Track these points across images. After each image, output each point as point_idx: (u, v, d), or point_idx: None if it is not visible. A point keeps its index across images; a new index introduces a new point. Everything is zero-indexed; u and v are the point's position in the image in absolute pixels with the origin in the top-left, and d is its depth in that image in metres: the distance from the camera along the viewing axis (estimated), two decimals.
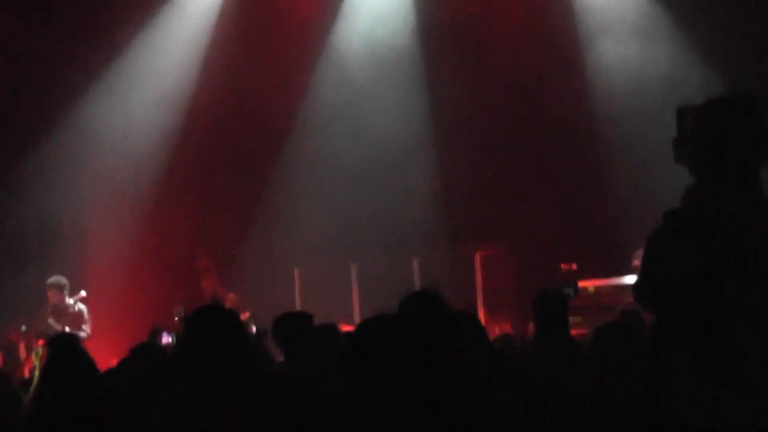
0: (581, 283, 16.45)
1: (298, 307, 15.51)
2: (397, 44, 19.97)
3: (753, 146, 4.79)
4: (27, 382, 12.26)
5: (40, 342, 16.19)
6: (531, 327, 10.96)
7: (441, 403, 4.03)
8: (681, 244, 4.74)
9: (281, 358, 9.44)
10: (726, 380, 4.57)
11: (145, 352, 7.91)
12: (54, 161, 19.63)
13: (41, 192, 19.19)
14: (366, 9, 20.29)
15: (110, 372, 8.14)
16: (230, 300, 17.02)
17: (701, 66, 18.04)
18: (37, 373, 14.73)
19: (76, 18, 19.75)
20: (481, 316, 16.33)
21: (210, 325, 5.53)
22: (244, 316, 15.65)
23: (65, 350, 8.19)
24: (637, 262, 15.70)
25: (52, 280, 17.42)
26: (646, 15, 18.93)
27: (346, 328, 9.71)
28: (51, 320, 17.26)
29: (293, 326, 9.24)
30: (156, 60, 20.38)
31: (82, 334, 16.70)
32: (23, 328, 17.58)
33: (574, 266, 16.99)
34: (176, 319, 15.55)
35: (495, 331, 14.85)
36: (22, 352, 17.05)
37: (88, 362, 7.91)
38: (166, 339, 14.26)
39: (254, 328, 13.51)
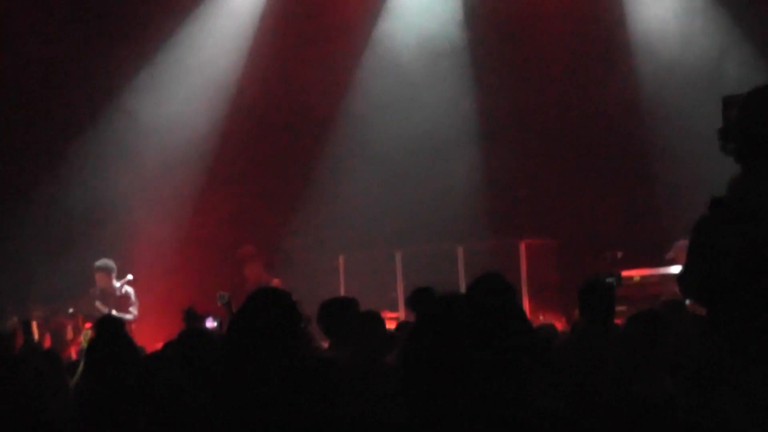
0: (627, 273, 16.48)
1: (342, 294, 15.51)
2: (444, 37, 19.98)
3: None
4: (74, 364, 12.30)
5: (87, 325, 16.32)
6: (576, 315, 10.94)
7: (488, 389, 4.04)
8: (727, 231, 4.74)
9: (325, 344, 9.50)
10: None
11: (192, 337, 7.92)
12: (101, 148, 19.77)
13: (88, 178, 19.38)
14: (413, 1, 20.32)
15: (155, 355, 8.17)
16: (275, 285, 17.04)
17: (747, 54, 17.95)
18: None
19: (124, 9, 19.83)
20: (526, 304, 16.32)
21: (266, 308, 5.58)
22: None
23: (109, 333, 8.27)
24: (671, 254, 15.74)
25: (99, 263, 17.58)
26: (691, 3, 18.87)
27: (389, 315, 9.77)
28: (98, 303, 17.41)
29: (338, 312, 9.33)
30: (202, 51, 20.48)
31: (129, 317, 16.98)
32: (71, 310, 17.75)
33: (619, 254, 17.06)
34: (219, 304, 15.74)
35: (539, 319, 14.85)
36: (70, 334, 17.18)
37: (131, 345, 7.99)
38: (210, 324, 14.37)
39: None
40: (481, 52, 19.83)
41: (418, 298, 10.17)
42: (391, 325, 10.95)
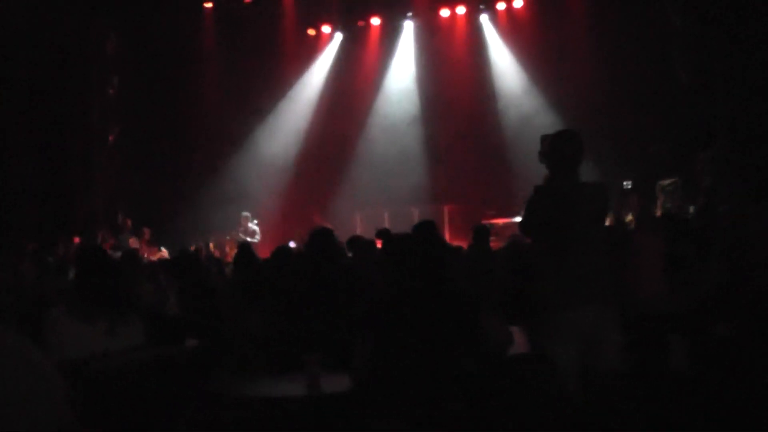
0: (496, 220, 16.63)
1: (358, 232, 15.43)
2: (410, 108, 20.08)
3: (574, 155, 4.85)
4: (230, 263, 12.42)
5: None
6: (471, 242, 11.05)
7: (430, 277, 4.08)
8: (542, 203, 4.83)
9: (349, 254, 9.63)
10: (565, 260, 4.69)
11: (283, 250, 8.01)
12: (242, 160, 19.89)
13: (237, 173, 19.50)
14: (395, 87, 20.35)
15: (267, 260, 8.21)
16: (326, 226, 17.60)
17: (551, 110, 18.19)
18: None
19: (256, 92, 19.96)
20: (447, 238, 16.19)
21: (323, 236, 5.84)
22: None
23: (244, 251, 8.42)
24: (519, 211, 15.90)
25: (243, 213, 17.98)
26: (526, 89, 19.05)
27: (378, 242, 9.88)
28: (241, 234, 17.62)
29: (356, 241, 9.54)
30: (290, 114, 20.54)
31: (256, 240, 17.29)
32: (228, 237, 17.93)
33: (493, 211, 17.19)
34: (297, 235, 16.11)
35: (454, 243, 14.79)
36: (229, 249, 17.28)
37: (254, 255, 8.12)
38: (293, 244, 14.52)
39: None
40: (428, 112, 19.84)
41: (382, 232, 10.84)
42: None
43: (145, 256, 15.32)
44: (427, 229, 6.81)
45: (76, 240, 15.99)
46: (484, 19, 19.91)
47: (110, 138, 19.35)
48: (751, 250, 5.48)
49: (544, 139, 5.14)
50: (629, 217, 14.00)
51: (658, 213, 14.16)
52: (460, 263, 8.72)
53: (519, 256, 7.50)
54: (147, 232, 17.44)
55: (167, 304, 7.88)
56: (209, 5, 20.12)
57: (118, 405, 4.30)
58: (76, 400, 3.99)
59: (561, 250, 4.75)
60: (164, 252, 16.15)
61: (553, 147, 4.93)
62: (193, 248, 15.23)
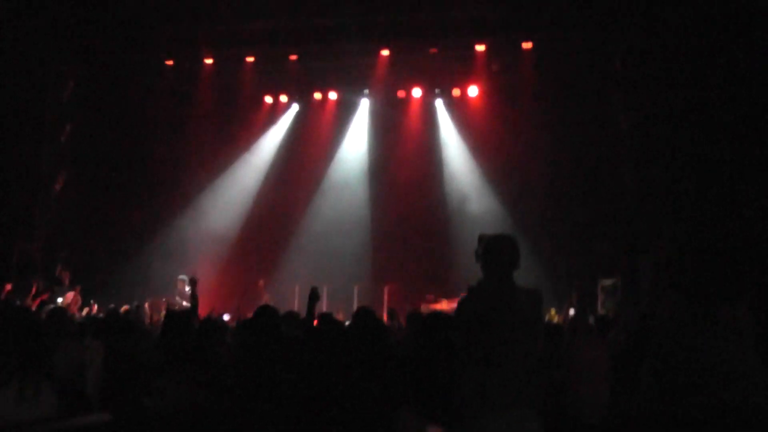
0: (435, 306, 16.62)
1: (296, 307, 15.42)
2: (359, 182, 20.34)
3: (510, 260, 4.87)
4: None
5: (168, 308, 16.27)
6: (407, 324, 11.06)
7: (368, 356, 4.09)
8: (474, 305, 4.82)
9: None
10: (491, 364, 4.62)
11: (213, 321, 7.89)
12: (185, 224, 19.86)
13: (179, 237, 19.55)
14: (346, 162, 20.73)
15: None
16: (266, 295, 17.40)
17: (498, 199, 18.58)
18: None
19: (207, 146, 20.00)
20: (385, 318, 16.16)
21: (265, 313, 5.89)
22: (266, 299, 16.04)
23: (177, 317, 8.28)
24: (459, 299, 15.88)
25: (180, 277, 17.59)
26: (470, 169, 19.43)
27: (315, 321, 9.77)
28: (177, 297, 17.36)
29: (290, 317, 9.41)
30: (237, 183, 20.65)
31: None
32: (164, 299, 17.52)
33: (432, 296, 17.15)
34: (236, 308, 15.90)
35: (392, 322, 14.75)
36: (164, 311, 16.99)
37: (190, 323, 7.98)
38: (226, 317, 14.30)
39: None
40: (375, 192, 20.05)
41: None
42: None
43: (76, 313, 15.02)
44: (365, 319, 6.78)
45: (8, 287, 15.60)
46: (438, 103, 20.37)
47: (56, 186, 19.11)
48: (680, 368, 5.37)
49: (481, 239, 5.14)
50: (570, 314, 14.17)
51: (600, 312, 14.32)
52: (394, 340, 8.68)
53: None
54: (78, 289, 17.10)
55: (91, 368, 7.66)
56: (170, 63, 20.15)
57: None
58: None
59: (488, 353, 4.69)
60: (94, 307, 15.90)
61: (489, 250, 4.93)
62: (126, 308, 14.98)
